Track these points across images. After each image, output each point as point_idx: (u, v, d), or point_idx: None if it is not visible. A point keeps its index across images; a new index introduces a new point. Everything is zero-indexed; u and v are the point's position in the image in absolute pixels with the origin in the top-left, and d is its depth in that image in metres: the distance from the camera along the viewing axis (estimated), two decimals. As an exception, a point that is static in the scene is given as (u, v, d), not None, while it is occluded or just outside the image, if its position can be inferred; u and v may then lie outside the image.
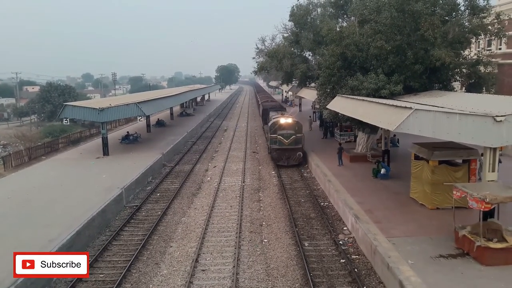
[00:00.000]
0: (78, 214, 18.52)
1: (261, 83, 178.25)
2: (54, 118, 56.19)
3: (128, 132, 41.27)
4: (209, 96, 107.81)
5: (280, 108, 45.05)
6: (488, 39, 29.28)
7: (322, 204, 22.47)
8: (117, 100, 39.95)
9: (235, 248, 16.91)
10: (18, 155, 33.78)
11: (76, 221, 17.71)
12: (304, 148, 31.54)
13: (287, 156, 30.38)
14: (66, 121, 35.21)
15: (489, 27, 24.47)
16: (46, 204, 20.57)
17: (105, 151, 33.13)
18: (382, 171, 23.92)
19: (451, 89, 25.73)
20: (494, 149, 14.13)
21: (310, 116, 48.79)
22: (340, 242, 17.31)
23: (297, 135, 30.65)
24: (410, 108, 15.11)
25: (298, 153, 30.37)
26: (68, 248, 15.85)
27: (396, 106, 16.69)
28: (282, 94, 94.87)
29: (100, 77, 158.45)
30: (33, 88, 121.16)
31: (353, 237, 17.73)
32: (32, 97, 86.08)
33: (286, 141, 30.38)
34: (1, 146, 49.28)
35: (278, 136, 30.52)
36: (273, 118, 33.20)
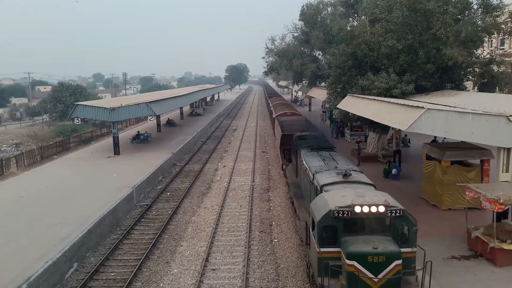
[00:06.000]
0: (90, 213, 18.67)
1: (271, 82, 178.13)
2: (66, 117, 56.70)
3: (138, 131, 41.52)
4: (218, 96, 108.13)
5: (318, 137, 22.26)
6: (501, 38, 28.89)
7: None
8: (128, 100, 40.28)
9: (245, 247, 16.90)
10: (30, 154, 34.20)
11: (88, 219, 17.85)
12: None
13: None
14: (78, 121, 35.51)
15: (503, 25, 24.18)
16: (58, 203, 20.78)
17: (116, 151, 33.40)
18: (393, 171, 23.76)
19: (463, 88, 25.48)
20: (508, 149, 13.95)
21: (323, 111, 50.08)
22: (351, 242, 17.03)
23: (406, 249, 10.54)
24: (422, 107, 14.95)
25: None
26: (79, 246, 16.00)
27: (408, 105, 16.52)
28: (292, 94, 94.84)
29: (111, 77, 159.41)
30: (45, 88, 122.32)
31: (364, 237, 17.55)
32: (44, 97, 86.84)
33: (376, 280, 9.97)
34: (14, 145, 49.94)
35: (350, 263, 10.12)
36: (318, 180, 13.89)
